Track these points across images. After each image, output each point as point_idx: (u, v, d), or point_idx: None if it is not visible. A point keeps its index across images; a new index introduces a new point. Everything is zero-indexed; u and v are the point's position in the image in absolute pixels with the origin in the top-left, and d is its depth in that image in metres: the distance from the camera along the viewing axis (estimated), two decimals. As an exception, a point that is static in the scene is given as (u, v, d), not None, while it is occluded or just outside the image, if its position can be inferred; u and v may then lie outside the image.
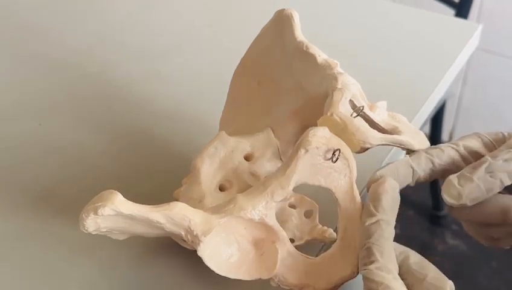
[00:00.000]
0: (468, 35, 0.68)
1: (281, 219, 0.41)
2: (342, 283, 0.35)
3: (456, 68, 0.66)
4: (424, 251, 1.42)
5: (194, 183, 0.43)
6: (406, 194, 1.50)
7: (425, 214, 1.51)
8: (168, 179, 0.48)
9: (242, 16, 0.73)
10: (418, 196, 1.55)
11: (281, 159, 0.45)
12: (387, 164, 0.38)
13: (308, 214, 0.43)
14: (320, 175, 0.35)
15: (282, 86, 0.45)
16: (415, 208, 1.52)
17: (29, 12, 0.74)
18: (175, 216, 0.33)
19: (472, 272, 1.36)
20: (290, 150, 0.44)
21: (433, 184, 1.46)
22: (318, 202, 0.44)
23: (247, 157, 0.44)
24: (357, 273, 0.35)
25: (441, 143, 1.56)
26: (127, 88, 0.60)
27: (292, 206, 0.44)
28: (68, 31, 0.70)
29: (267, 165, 0.44)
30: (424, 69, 0.63)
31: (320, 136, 0.34)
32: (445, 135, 1.68)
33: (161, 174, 0.50)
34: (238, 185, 0.43)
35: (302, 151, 0.34)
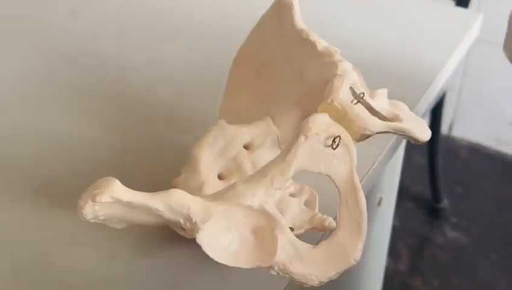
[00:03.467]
0: (468, 25, 0.68)
1: (281, 207, 0.41)
2: (343, 270, 0.35)
3: (457, 58, 0.66)
4: (423, 243, 1.43)
5: (193, 172, 0.43)
6: (405, 186, 1.50)
7: (424, 206, 1.51)
8: (167, 168, 0.48)
9: (241, 3, 0.72)
10: (417, 189, 1.54)
11: (280, 147, 0.45)
12: None
13: (307, 203, 0.43)
14: (320, 162, 0.35)
15: (282, 74, 0.45)
16: (414, 200, 1.52)
17: (28, 3, 0.73)
18: (174, 203, 0.33)
19: (471, 264, 1.36)
20: (289, 138, 0.44)
21: (432, 177, 1.46)
22: (318, 191, 0.44)
23: (247, 146, 0.44)
24: (358, 260, 0.35)
25: (440, 135, 1.55)
26: (125, 77, 0.60)
27: (292, 195, 0.44)
28: (66, 19, 0.69)
29: (266, 153, 0.44)
30: (424, 59, 0.62)
31: (321, 123, 0.34)
32: (444, 127, 1.68)
33: (160, 163, 0.49)
34: (237, 173, 0.43)
35: (302, 138, 0.34)
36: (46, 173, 0.49)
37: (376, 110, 0.39)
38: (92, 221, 0.34)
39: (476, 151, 1.66)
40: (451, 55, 0.64)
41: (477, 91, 1.62)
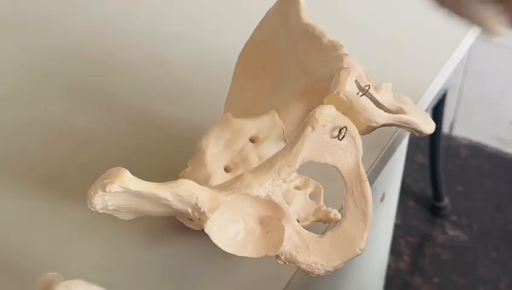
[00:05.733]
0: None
1: (286, 200, 0.42)
2: (348, 259, 0.35)
3: (458, 56, 0.66)
4: (424, 241, 1.43)
5: (200, 165, 0.43)
6: (406, 185, 1.51)
7: (425, 205, 1.51)
8: (173, 162, 0.48)
9: None
10: (418, 187, 1.55)
11: (286, 141, 0.45)
12: None
13: (312, 196, 0.44)
14: (326, 153, 0.35)
15: (287, 69, 0.45)
16: (415, 198, 1.53)
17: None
18: (182, 193, 0.33)
19: (472, 262, 1.36)
20: (295, 132, 0.45)
21: (433, 175, 1.46)
22: (322, 184, 0.44)
23: (253, 140, 0.45)
24: (364, 249, 0.35)
25: (441, 134, 1.55)
26: (131, 74, 0.60)
27: (297, 188, 0.44)
28: (71, 17, 0.70)
29: (272, 147, 0.44)
30: (426, 57, 0.63)
31: (327, 114, 0.35)
32: (446, 126, 1.68)
33: (166, 158, 0.50)
34: (243, 166, 0.43)
35: (309, 129, 0.34)
36: (54, 166, 0.49)
37: (381, 103, 0.39)
38: (101, 211, 0.34)
39: (477, 150, 1.66)
40: (452, 53, 0.64)
41: (478, 90, 1.63)
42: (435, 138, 1.39)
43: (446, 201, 1.50)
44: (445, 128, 1.69)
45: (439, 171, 1.45)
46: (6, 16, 0.70)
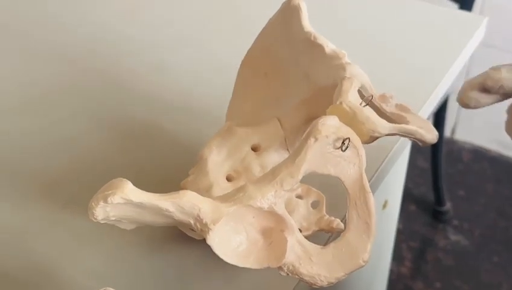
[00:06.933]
0: (473, 29, 0.68)
1: (288, 209, 0.41)
2: (351, 271, 0.35)
3: (461, 62, 0.66)
4: (426, 246, 1.43)
5: (202, 173, 0.43)
6: (408, 189, 1.51)
7: (427, 209, 1.51)
8: (175, 170, 0.48)
9: (249, 6, 0.73)
10: (419, 191, 1.55)
11: (287, 150, 0.45)
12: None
13: (315, 205, 0.44)
14: (329, 164, 0.35)
15: (289, 77, 0.45)
16: (416, 203, 1.52)
17: (33, 5, 0.73)
18: (184, 205, 0.33)
19: (473, 267, 1.36)
20: (296, 141, 0.44)
21: (435, 180, 1.46)
22: (325, 193, 0.44)
23: (254, 148, 0.44)
24: (367, 261, 0.35)
25: (443, 138, 1.54)
26: (132, 81, 0.60)
27: (299, 197, 0.44)
28: (72, 23, 0.70)
29: (274, 156, 0.44)
30: (429, 63, 0.63)
31: (330, 125, 0.34)
32: (447, 130, 1.68)
33: (168, 166, 0.50)
34: (245, 175, 0.43)
35: (312, 140, 0.34)
36: (55, 175, 0.49)
37: (384, 113, 0.39)
38: (103, 222, 0.34)
39: (479, 155, 1.66)
40: (456, 59, 0.64)
41: (479, 94, 1.62)
42: (436, 142, 1.39)
43: (448, 205, 1.49)
44: (447, 133, 1.68)
45: (441, 176, 1.44)
46: (6, 22, 0.70)
